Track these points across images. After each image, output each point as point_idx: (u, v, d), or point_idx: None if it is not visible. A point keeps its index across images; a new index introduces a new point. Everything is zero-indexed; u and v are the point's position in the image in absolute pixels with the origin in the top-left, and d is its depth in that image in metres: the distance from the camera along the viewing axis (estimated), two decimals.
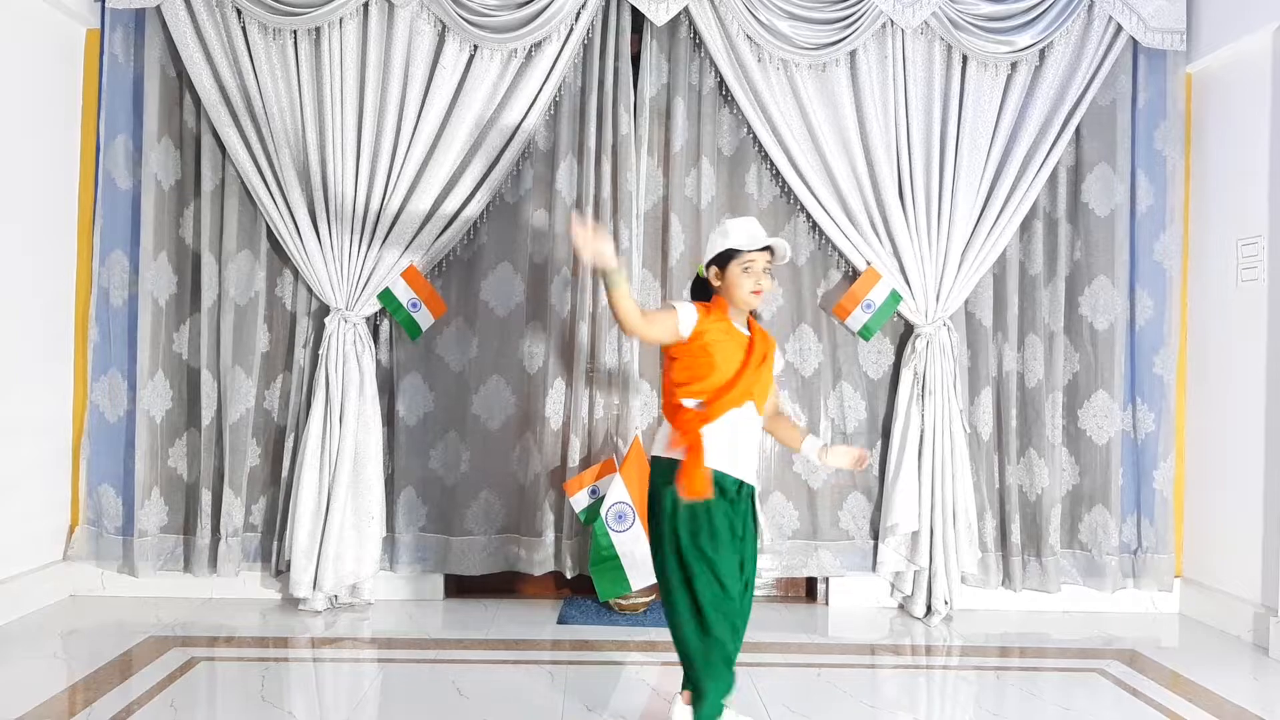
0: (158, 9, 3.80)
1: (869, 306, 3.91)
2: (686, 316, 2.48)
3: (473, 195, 3.83)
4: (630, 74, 3.94)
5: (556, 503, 3.92)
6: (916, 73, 3.91)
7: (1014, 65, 3.94)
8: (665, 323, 2.47)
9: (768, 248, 2.55)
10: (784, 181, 3.95)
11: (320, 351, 3.79)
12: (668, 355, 2.58)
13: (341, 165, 3.79)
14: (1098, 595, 4.02)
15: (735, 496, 2.52)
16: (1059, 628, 3.83)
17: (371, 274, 3.80)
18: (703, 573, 2.44)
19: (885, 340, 4.04)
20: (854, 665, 3.34)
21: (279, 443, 3.94)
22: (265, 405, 3.96)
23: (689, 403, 2.50)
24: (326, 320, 3.82)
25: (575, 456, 3.87)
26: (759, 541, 2.74)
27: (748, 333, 2.58)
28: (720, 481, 2.47)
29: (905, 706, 2.95)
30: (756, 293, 2.53)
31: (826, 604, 4.09)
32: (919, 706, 2.99)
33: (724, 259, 2.55)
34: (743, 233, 2.55)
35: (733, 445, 2.50)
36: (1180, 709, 2.93)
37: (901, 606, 4.03)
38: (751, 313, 2.63)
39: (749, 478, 2.57)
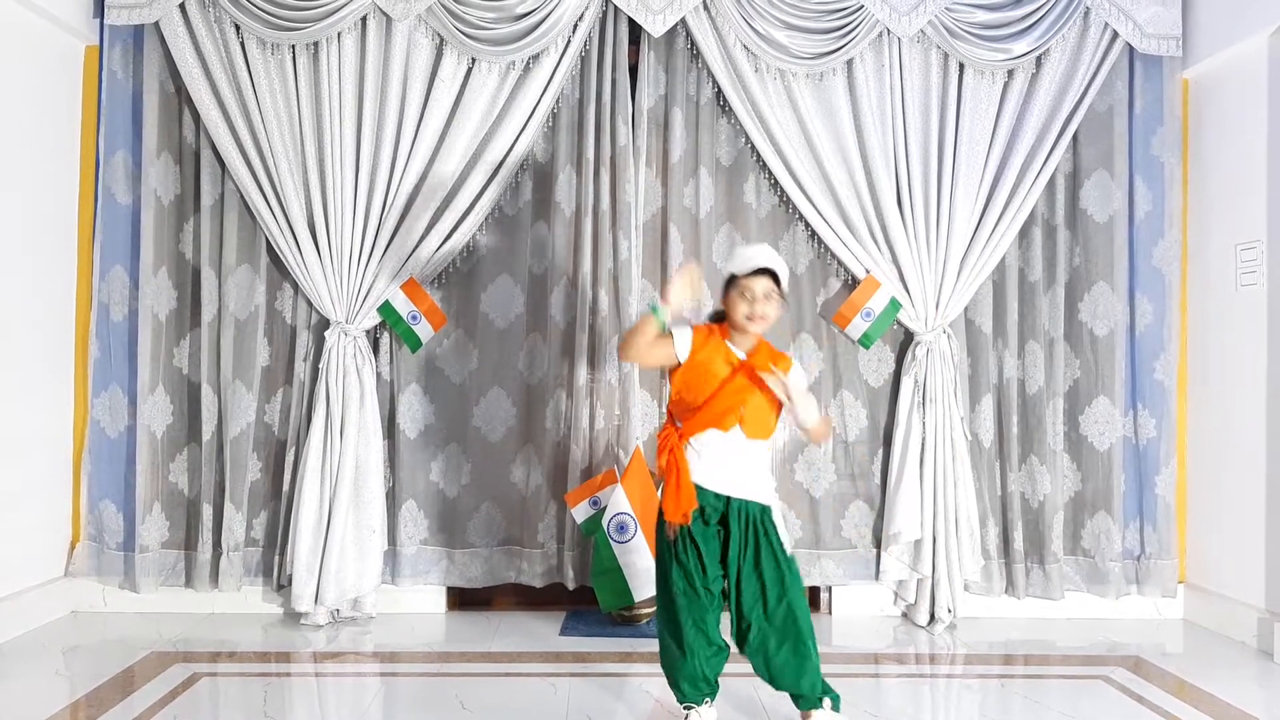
0: (156, 25, 3.81)
1: (869, 315, 3.91)
2: (682, 341, 2.59)
3: (472, 207, 3.83)
4: (628, 85, 3.95)
5: (558, 514, 3.91)
6: (913, 81, 3.92)
7: (1011, 73, 3.95)
8: (664, 348, 2.58)
9: (769, 275, 2.58)
10: (782, 191, 3.95)
11: (320, 365, 3.79)
12: (669, 377, 2.70)
13: (340, 179, 3.80)
14: (1101, 602, 4.01)
15: (720, 514, 2.60)
16: (1063, 635, 3.82)
17: (371, 287, 3.81)
18: (660, 581, 2.68)
19: (885, 348, 4.04)
20: (858, 675, 3.33)
21: (280, 457, 3.94)
22: (266, 419, 3.95)
23: (678, 422, 2.63)
24: (326, 334, 3.82)
25: (576, 468, 3.87)
26: (777, 563, 2.59)
27: (744, 357, 2.62)
28: (701, 498, 2.56)
29: (910, 716, 2.94)
30: (752, 319, 2.57)
31: (830, 613, 4.08)
32: (923, 716, 2.98)
33: (728, 284, 2.64)
34: (741, 259, 2.62)
35: (715, 465, 2.57)
36: (1186, 715, 2.91)
37: (905, 615, 4.02)
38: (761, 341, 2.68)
39: (740, 493, 2.59)
